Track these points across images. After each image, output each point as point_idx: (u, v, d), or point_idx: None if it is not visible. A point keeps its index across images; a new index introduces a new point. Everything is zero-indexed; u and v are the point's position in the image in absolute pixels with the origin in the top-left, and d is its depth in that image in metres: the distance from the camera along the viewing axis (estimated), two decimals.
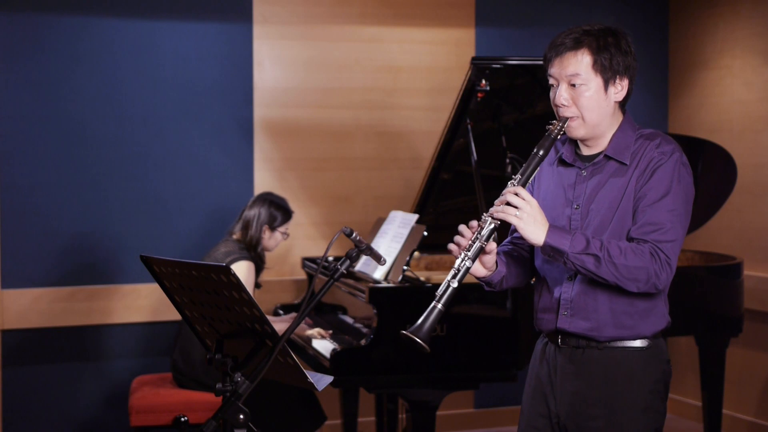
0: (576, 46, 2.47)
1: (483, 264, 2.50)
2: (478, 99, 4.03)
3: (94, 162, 4.92)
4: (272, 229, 4.29)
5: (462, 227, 2.44)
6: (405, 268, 3.94)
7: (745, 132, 5.34)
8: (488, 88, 3.96)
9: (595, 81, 2.48)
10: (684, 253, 5.05)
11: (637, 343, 2.53)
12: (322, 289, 2.36)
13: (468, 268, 2.39)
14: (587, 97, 2.47)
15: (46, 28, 4.84)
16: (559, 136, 2.48)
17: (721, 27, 5.53)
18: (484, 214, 2.43)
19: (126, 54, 4.96)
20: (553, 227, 2.41)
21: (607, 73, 2.48)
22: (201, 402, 4.10)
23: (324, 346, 3.95)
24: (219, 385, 2.29)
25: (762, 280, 5.16)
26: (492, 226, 2.40)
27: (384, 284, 3.86)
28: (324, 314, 4.43)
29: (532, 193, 2.62)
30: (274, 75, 5.20)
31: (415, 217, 4.11)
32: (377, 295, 3.73)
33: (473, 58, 3.98)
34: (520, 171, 2.46)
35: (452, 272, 2.39)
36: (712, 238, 5.49)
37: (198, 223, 5.05)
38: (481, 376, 3.77)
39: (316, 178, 5.30)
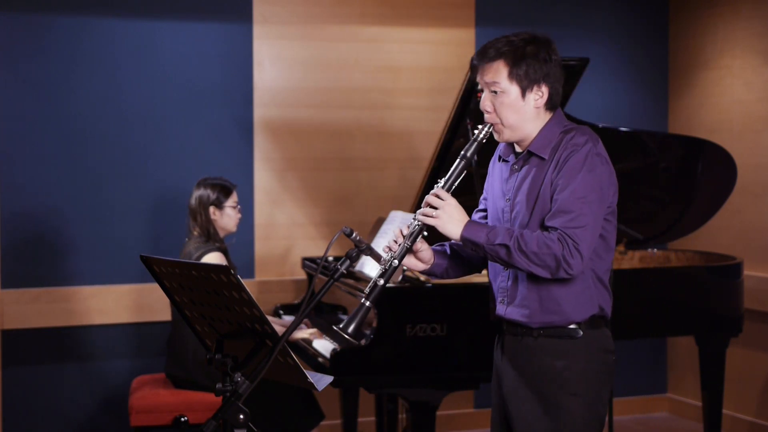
0: (495, 56, 2.63)
1: (420, 260, 2.74)
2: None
3: (94, 162, 4.92)
4: (219, 207, 4.25)
5: (396, 231, 2.67)
6: (405, 268, 3.93)
7: (745, 132, 5.34)
8: None
9: (513, 89, 2.63)
10: (684, 253, 5.06)
11: (571, 332, 2.65)
12: (322, 289, 2.37)
13: (395, 267, 2.61)
14: (506, 105, 2.64)
15: (46, 28, 4.84)
16: (484, 140, 2.68)
17: (721, 27, 5.53)
18: (414, 215, 2.66)
19: (126, 54, 4.96)
20: (471, 222, 2.62)
21: (523, 82, 2.63)
22: (201, 402, 4.10)
23: (324, 346, 3.95)
24: (219, 385, 2.29)
25: (762, 280, 5.16)
26: (416, 228, 2.63)
27: None
28: (324, 314, 4.43)
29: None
30: (274, 75, 5.20)
31: None
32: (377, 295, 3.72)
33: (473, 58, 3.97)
34: (448, 174, 2.68)
35: (380, 270, 2.60)
36: (712, 238, 5.49)
37: None
38: (481, 376, 3.77)
39: (316, 178, 5.30)
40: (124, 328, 5.00)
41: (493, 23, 5.56)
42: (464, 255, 2.85)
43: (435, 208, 2.61)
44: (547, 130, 2.66)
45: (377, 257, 2.61)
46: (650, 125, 5.85)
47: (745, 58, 5.36)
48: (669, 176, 4.71)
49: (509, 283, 2.72)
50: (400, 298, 3.76)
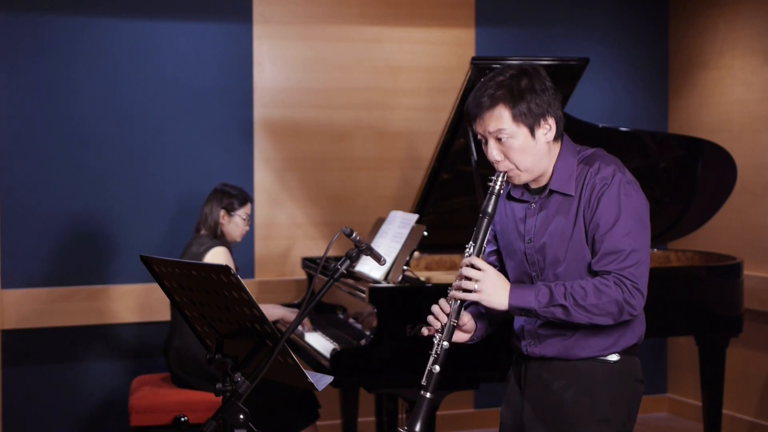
0: (492, 103, 2.44)
1: (465, 332, 2.55)
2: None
3: (94, 162, 4.92)
4: (230, 213, 4.31)
5: (435, 309, 2.47)
6: (405, 268, 3.94)
7: (745, 132, 5.34)
8: None
9: (520, 131, 2.45)
10: (684, 253, 5.05)
11: (607, 358, 2.54)
12: (322, 289, 2.36)
13: (446, 349, 2.44)
14: (516, 149, 2.46)
15: (46, 28, 4.84)
16: (502, 191, 2.50)
17: (721, 27, 5.53)
18: (449, 289, 2.46)
19: (126, 54, 4.96)
20: (514, 287, 2.44)
21: (529, 119, 2.45)
22: (201, 402, 4.09)
23: (324, 345, 3.95)
24: (219, 385, 2.29)
25: (762, 280, 5.16)
26: (458, 304, 2.44)
27: (384, 284, 3.86)
28: (324, 314, 4.43)
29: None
30: (273, 75, 5.20)
31: (415, 217, 4.11)
32: (377, 295, 3.73)
33: (473, 58, 3.98)
34: (473, 237, 2.48)
35: (432, 358, 2.44)
36: (712, 238, 5.49)
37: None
38: (481, 376, 3.77)
39: (316, 178, 5.29)
40: (125, 327, 5.00)
41: (493, 23, 5.56)
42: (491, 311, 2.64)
43: (469, 279, 2.42)
44: (562, 163, 2.52)
45: (377, 257, 2.56)
46: (650, 125, 5.85)
47: (745, 58, 5.36)
48: (669, 176, 4.71)
49: (536, 325, 2.56)
50: (400, 298, 3.76)
